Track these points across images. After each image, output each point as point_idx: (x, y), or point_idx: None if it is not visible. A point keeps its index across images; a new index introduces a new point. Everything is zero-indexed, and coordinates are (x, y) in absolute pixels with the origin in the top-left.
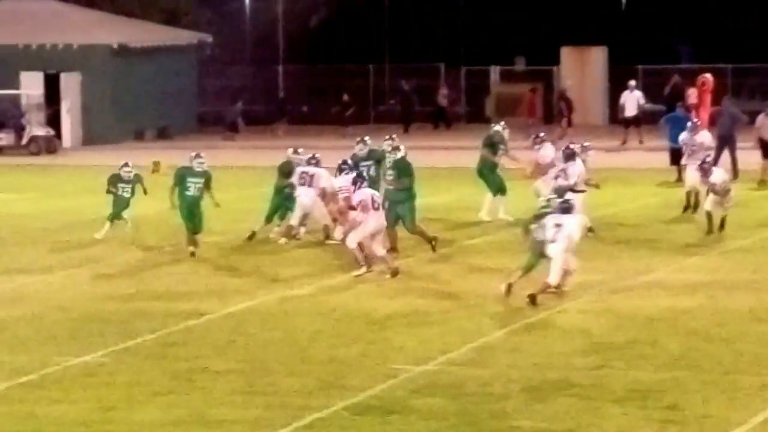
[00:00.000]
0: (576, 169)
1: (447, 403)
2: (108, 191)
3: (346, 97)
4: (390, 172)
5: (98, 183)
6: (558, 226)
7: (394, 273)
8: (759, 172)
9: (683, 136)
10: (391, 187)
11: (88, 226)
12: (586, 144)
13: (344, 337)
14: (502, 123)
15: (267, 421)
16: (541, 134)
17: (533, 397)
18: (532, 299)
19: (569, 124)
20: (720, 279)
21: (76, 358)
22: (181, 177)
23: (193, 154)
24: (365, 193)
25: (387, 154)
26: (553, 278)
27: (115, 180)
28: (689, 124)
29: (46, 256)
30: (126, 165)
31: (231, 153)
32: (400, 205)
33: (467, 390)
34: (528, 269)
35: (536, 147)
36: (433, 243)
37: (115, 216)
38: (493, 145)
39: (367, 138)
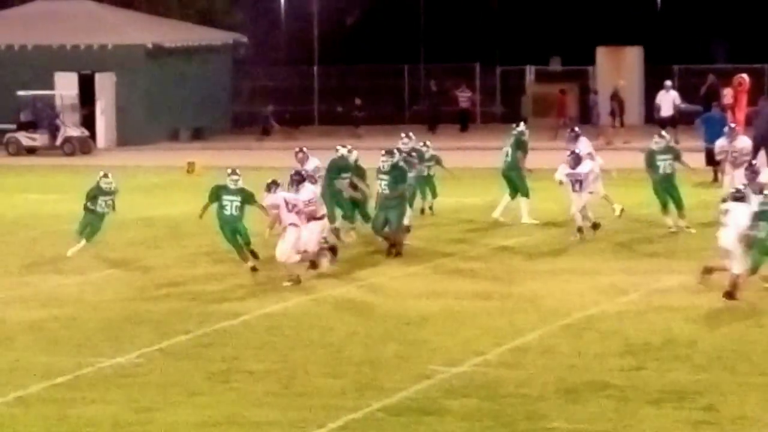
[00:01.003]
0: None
1: (482, 404)
2: (86, 207)
3: (358, 101)
4: (384, 177)
5: (134, 184)
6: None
7: (296, 281)
8: None
9: (721, 143)
10: (386, 192)
11: (123, 226)
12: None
13: (379, 337)
14: (522, 123)
15: (302, 422)
16: (576, 129)
17: (568, 398)
18: (729, 295)
19: (621, 124)
20: (757, 280)
21: (111, 359)
22: (216, 195)
23: (229, 170)
24: (278, 197)
25: (381, 159)
26: (739, 268)
27: (95, 194)
28: (726, 129)
29: (81, 257)
30: (106, 176)
31: (264, 154)
32: (391, 211)
33: (502, 391)
34: (755, 269)
35: (571, 143)
36: (395, 250)
37: (93, 233)
38: (523, 145)
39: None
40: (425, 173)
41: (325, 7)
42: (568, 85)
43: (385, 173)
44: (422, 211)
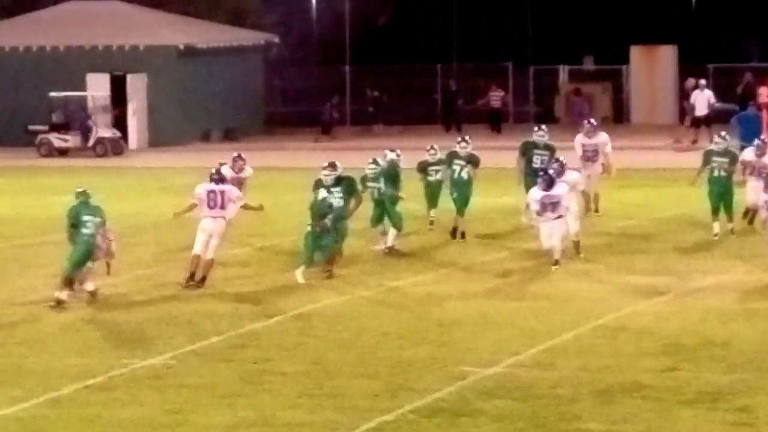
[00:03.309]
0: None
1: (516, 405)
2: (70, 232)
3: (375, 93)
4: (378, 178)
5: (165, 185)
6: None
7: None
8: None
9: (750, 157)
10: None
11: (155, 228)
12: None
13: (412, 338)
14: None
15: (334, 424)
16: (593, 121)
17: (603, 399)
18: None
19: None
20: None
21: (144, 361)
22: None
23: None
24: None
25: (369, 161)
26: None
27: (77, 213)
28: (757, 142)
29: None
30: (84, 193)
31: (294, 154)
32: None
33: (536, 392)
34: None
35: (590, 135)
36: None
37: (82, 262)
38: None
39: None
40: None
41: (356, 6)
42: (603, 84)
43: (378, 174)
44: (431, 223)
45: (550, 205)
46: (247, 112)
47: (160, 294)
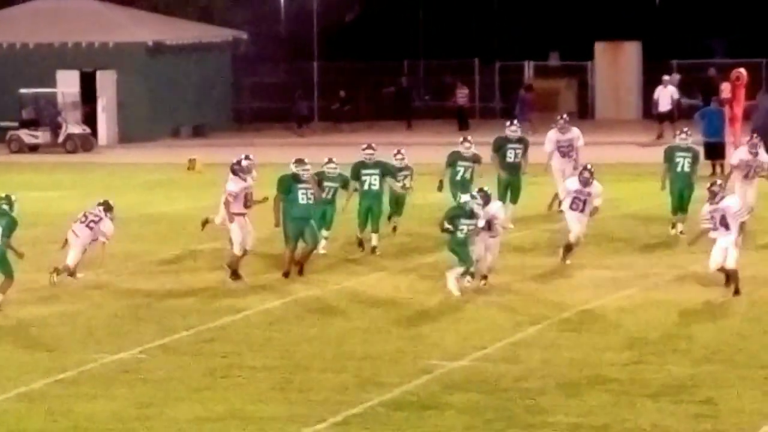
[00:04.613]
0: None
1: (482, 398)
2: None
3: (342, 93)
4: (331, 184)
5: (135, 181)
6: None
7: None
8: None
9: (743, 156)
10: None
11: (124, 223)
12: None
13: (379, 333)
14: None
15: (303, 417)
16: (566, 117)
17: (568, 392)
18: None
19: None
20: (754, 274)
21: (113, 355)
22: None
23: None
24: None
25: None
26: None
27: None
28: (750, 143)
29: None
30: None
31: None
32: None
33: (502, 385)
34: None
35: (563, 131)
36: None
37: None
38: (527, 144)
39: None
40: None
41: (324, 3)
42: (568, 80)
43: (331, 178)
44: (394, 229)
45: (486, 223)
46: (216, 109)
47: (129, 289)
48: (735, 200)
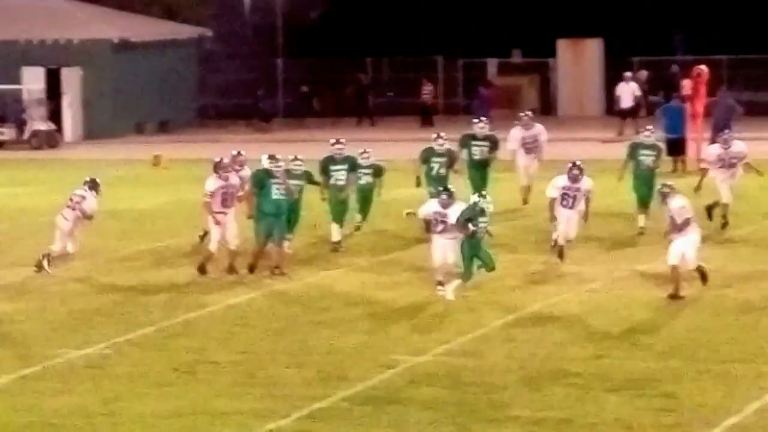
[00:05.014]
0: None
1: (445, 393)
2: None
3: (304, 89)
4: (296, 182)
5: (100, 177)
6: None
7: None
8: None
9: (717, 151)
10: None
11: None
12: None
13: (343, 328)
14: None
15: (268, 412)
16: (529, 113)
17: (531, 386)
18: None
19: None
20: (717, 269)
21: (79, 350)
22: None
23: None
24: None
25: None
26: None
27: None
28: (724, 137)
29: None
30: None
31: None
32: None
33: (465, 380)
34: None
35: (527, 127)
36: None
37: None
38: (494, 141)
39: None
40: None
41: (288, 0)
42: (531, 77)
43: (296, 177)
44: (357, 228)
45: (441, 223)
46: (181, 105)
47: (94, 285)
48: (680, 200)
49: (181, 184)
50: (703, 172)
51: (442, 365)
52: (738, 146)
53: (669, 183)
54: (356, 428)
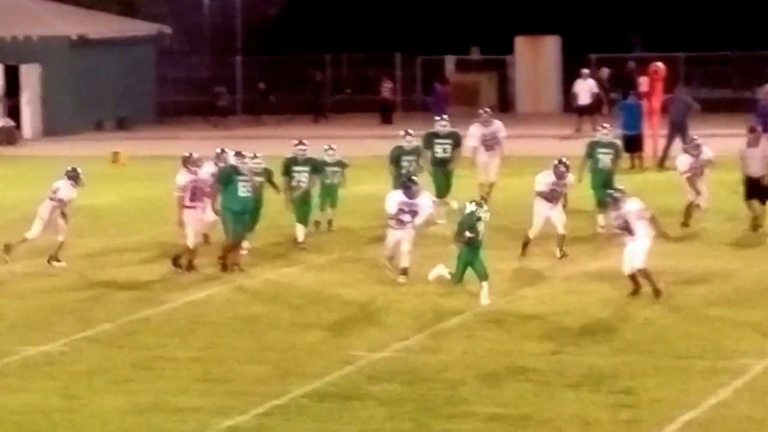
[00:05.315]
0: None
1: (404, 389)
2: None
3: (262, 86)
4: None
5: (58, 173)
6: None
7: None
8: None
9: (688, 160)
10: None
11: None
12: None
13: (301, 324)
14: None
15: (226, 408)
16: (488, 110)
17: (488, 382)
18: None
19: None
20: (673, 266)
21: (37, 347)
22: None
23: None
24: None
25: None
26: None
27: None
28: (691, 144)
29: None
30: None
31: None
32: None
33: (424, 376)
34: None
35: (486, 124)
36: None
37: None
38: (457, 138)
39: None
40: (327, 181)
41: None
42: (489, 74)
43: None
44: (317, 224)
45: (409, 213)
46: (140, 102)
47: (53, 281)
48: (635, 203)
49: (140, 181)
50: (689, 181)
51: (401, 361)
52: (706, 153)
53: (621, 187)
54: (315, 424)
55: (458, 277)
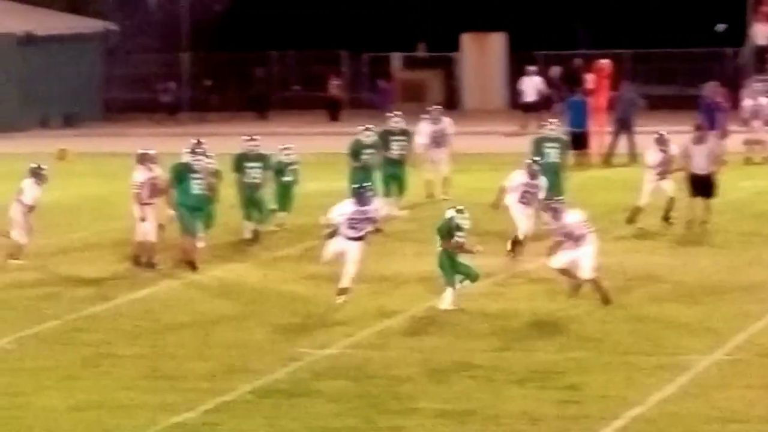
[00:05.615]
0: None
1: (350, 385)
2: None
3: (208, 83)
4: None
5: (4, 171)
6: None
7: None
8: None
9: (657, 157)
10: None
11: None
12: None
13: (248, 321)
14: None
15: (173, 405)
16: (437, 107)
17: (435, 379)
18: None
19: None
20: (617, 262)
21: None
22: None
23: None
24: None
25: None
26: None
27: None
28: (659, 140)
29: None
30: None
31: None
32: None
33: (370, 372)
34: None
35: (435, 121)
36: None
37: None
38: (410, 135)
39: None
40: (284, 180)
41: None
42: (435, 71)
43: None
44: (280, 225)
45: (361, 221)
46: (87, 99)
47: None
48: (575, 215)
49: (87, 177)
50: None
51: (347, 358)
52: (673, 149)
53: (560, 198)
54: (261, 421)
55: (451, 283)
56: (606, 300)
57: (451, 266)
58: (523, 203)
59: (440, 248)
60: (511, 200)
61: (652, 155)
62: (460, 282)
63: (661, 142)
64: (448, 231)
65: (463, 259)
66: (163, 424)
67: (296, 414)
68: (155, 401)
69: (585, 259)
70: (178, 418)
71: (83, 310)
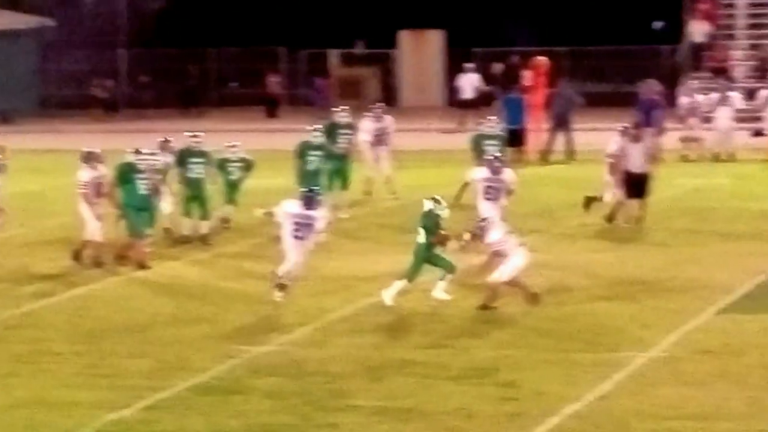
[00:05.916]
0: None
1: (287, 382)
2: None
3: (144, 79)
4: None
5: None
6: None
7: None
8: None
9: (614, 149)
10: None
11: None
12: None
13: (185, 318)
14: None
15: (109, 402)
16: (380, 105)
17: (373, 376)
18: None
19: None
20: (555, 259)
21: None
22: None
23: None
24: None
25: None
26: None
27: None
28: (624, 129)
29: None
30: None
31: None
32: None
33: (307, 369)
34: None
35: (378, 119)
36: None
37: None
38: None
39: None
40: (230, 178)
41: None
42: (373, 68)
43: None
44: (225, 220)
45: (304, 226)
46: (23, 95)
47: None
48: (496, 233)
49: (22, 174)
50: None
51: (284, 355)
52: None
53: (486, 217)
54: (199, 417)
55: (415, 275)
56: (532, 299)
57: (429, 260)
58: (488, 199)
59: (423, 241)
60: (479, 199)
61: (615, 149)
62: (440, 278)
63: (629, 134)
64: (435, 224)
65: (439, 251)
66: (100, 421)
67: (233, 411)
68: (93, 398)
69: (509, 264)
70: (115, 415)
71: (20, 307)
